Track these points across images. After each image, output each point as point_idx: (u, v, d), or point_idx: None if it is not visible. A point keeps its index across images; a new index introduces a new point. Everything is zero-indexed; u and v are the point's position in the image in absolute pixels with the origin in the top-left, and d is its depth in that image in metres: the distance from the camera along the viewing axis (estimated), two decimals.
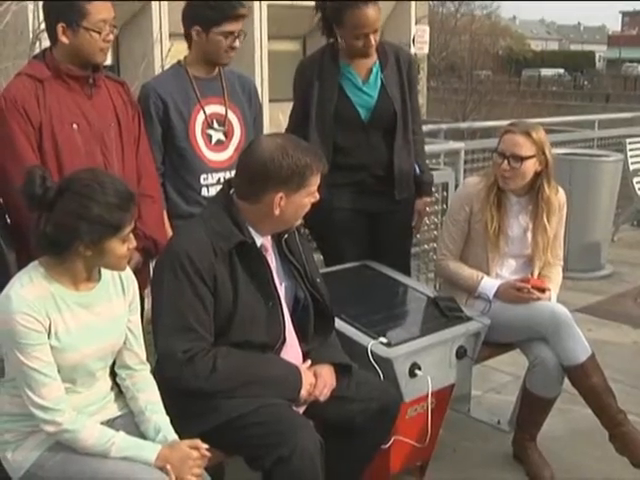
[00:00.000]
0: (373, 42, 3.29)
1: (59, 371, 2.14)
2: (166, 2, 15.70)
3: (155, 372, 2.41)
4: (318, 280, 2.62)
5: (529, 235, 3.34)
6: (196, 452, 2.21)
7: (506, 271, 3.38)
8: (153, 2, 16.24)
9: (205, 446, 2.23)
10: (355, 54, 3.37)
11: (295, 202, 2.42)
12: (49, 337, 2.12)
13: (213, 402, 2.35)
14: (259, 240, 2.47)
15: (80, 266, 2.19)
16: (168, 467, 2.14)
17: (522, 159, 3.18)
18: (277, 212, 2.40)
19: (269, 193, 2.38)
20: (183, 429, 2.29)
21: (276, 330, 2.48)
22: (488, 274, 3.32)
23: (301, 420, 2.39)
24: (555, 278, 3.42)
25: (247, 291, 2.41)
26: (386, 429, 2.64)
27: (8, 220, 2.74)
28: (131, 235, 2.20)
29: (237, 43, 3.14)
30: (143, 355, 2.39)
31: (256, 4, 16.81)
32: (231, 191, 2.48)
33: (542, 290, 3.25)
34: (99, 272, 2.28)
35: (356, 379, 2.59)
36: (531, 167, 3.22)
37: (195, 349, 2.33)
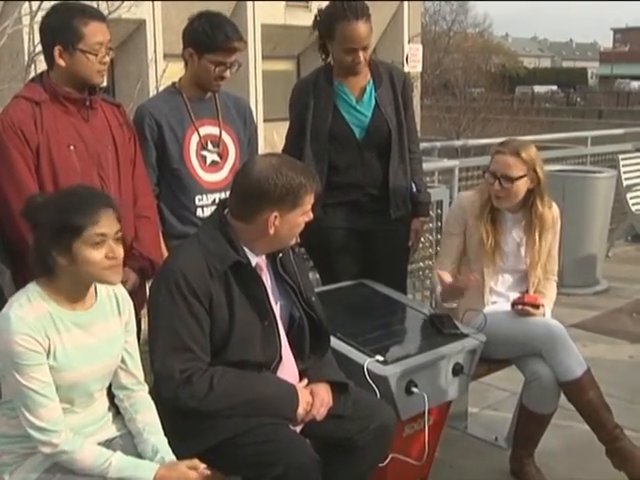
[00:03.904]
0: (362, 59, 3.30)
1: (57, 391, 2.13)
2: (161, 22, 15.79)
3: (152, 392, 2.41)
4: (313, 299, 2.62)
5: (523, 250, 3.36)
6: (194, 473, 2.21)
7: (501, 286, 3.39)
8: (148, 23, 16.31)
9: (203, 466, 2.23)
10: (344, 70, 3.38)
11: (289, 221, 2.43)
12: (47, 357, 2.12)
13: (210, 422, 2.35)
14: (254, 260, 2.47)
15: (68, 281, 2.17)
16: None
17: (513, 180, 3.20)
18: (272, 231, 2.41)
19: (263, 212, 2.39)
20: (180, 449, 2.30)
21: (272, 349, 2.48)
22: (483, 289, 3.33)
23: (298, 439, 2.39)
24: (550, 294, 3.43)
25: (243, 310, 2.42)
26: (383, 447, 2.63)
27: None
28: (111, 243, 2.16)
29: (227, 73, 3.14)
30: (140, 375, 2.39)
31: (250, 24, 16.91)
32: (225, 211, 2.49)
33: (536, 306, 3.26)
34: (95, 292, 2.28)
35: (352, 397, 2.58)
36: (523, 186, 3.23)
37: (192, 369, 2.33)
